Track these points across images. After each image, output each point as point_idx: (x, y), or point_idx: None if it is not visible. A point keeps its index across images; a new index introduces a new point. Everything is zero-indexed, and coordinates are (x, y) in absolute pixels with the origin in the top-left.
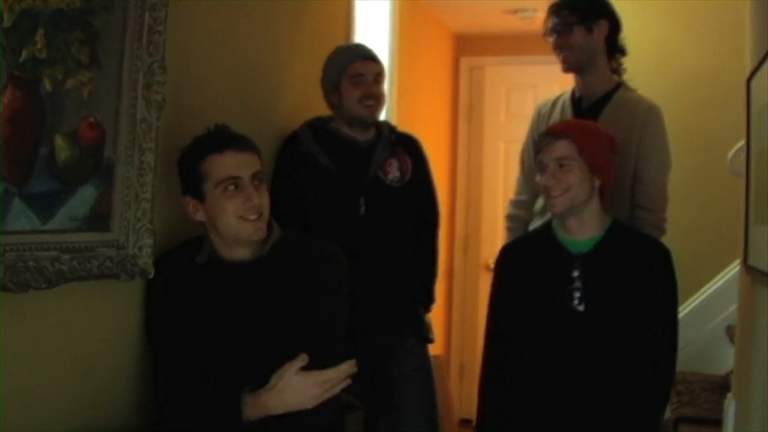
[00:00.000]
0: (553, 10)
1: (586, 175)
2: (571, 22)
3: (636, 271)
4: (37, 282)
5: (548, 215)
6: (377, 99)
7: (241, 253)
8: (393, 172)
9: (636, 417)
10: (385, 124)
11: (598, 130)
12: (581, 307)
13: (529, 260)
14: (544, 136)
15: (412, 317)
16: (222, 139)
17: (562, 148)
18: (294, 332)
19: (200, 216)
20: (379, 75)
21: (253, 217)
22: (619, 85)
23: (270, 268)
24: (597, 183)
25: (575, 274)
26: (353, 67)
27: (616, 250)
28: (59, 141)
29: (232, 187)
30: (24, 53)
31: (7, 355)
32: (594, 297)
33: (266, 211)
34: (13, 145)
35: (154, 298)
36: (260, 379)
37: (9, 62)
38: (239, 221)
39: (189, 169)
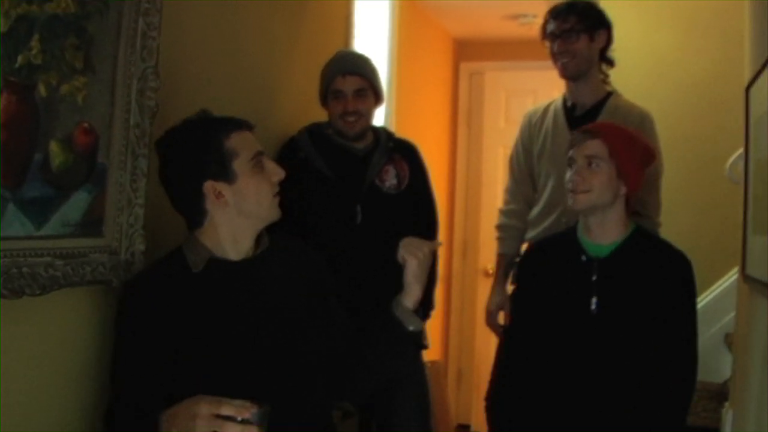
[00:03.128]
0: (557, 15)
1: (613, 179)
2: (578, 29)
3: (654, 278)
4: (32, 288)
5: (544, 224)
6: (357, 114)
7: (245, 248)
8: (390, 179)
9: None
10: (383, 131)
11: (635, 138)
12: (598, 313)
13: (550, 262)
14: (578, 133)
15: None
16: (229, 118)
17: (593, 146)
18: (300, 331)
19: (224, 201)
20: (360, 90)
21: (276, 191)
22: (610, 93)
23: (269, 265)
24: (623, 190)
25: (594, 278)
26: (334, 83)
27: (635, 256)
28: (54, 146)
29: (260, 164)
30: (20, 59)
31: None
32: (610, 302)
33: None
34: (8, 151)
35: (132, 320)
36: (263, 374)
37: (4, 68)
38: (271, 199)
39: (208, 150)
